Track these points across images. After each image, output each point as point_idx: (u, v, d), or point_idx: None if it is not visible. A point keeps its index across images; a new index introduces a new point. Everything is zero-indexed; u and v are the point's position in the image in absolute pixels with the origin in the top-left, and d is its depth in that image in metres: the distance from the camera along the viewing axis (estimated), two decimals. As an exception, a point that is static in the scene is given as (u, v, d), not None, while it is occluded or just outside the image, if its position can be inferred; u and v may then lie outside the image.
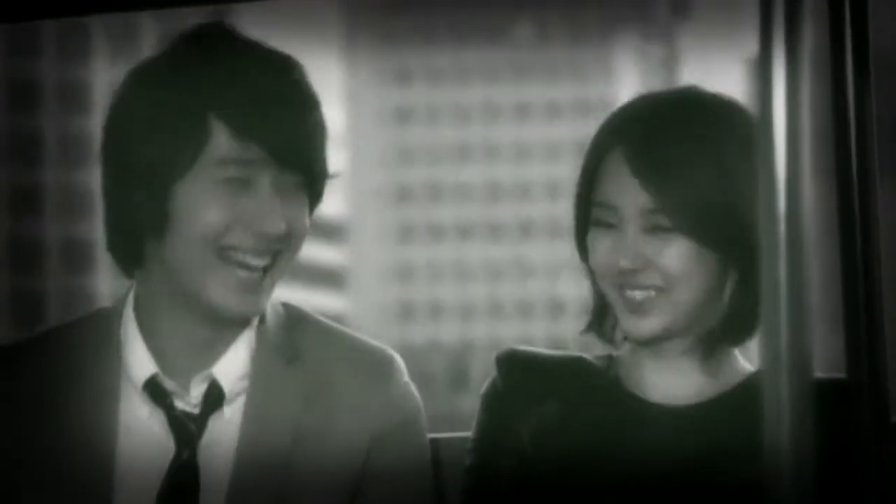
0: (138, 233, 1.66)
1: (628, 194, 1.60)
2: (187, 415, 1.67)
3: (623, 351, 1.67)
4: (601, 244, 1.62)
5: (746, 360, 1.68)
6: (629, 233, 1.60)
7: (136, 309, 1.71)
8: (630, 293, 1.60)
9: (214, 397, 1.68)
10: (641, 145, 1.61)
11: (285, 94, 1.67)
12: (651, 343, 1.62)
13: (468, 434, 1.71)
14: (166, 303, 1.68)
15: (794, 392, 1.01)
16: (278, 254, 1.65)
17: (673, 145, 1.61)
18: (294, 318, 1.74)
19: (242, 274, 1.64)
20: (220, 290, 1.64)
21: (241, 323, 1.68)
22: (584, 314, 1.67)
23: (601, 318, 1.65)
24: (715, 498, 1.61)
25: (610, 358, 1.69)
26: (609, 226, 1.62)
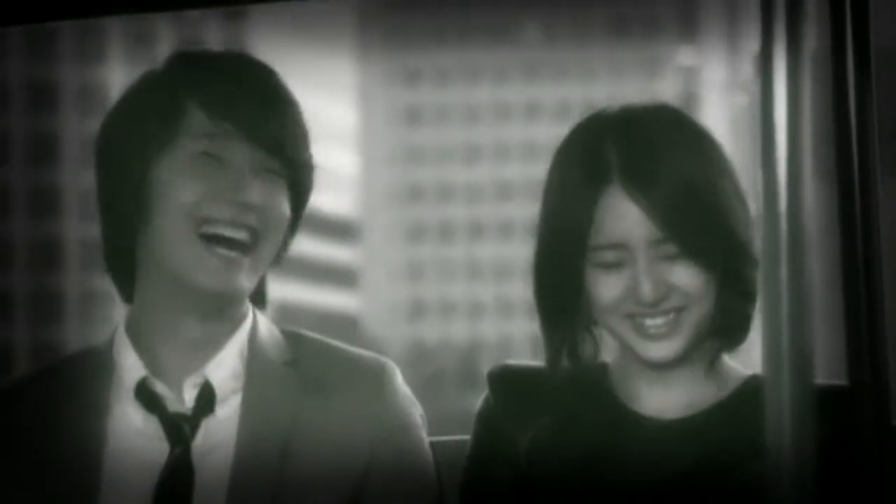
0: (128, 232, 1.67)
1: (635, 228, 1.58)
2: (180, 416, 1.68)
3: (615, 360, 1.65)
4: (611, 283, 1.59)
5: (748, 363, 1.66)
6: (643, 264, 1.58)
7: (128, 326, 1.72)
8: (651, 321, 1.58)
9: (207, 398, 1.68)
10: (637, 172, 1.59)
11: (261, 86, 1.70)
12: (671, 365, 1.60)
13: (466, 437, 1.70)
14: (155, 304, 1.69)
15: (795, 395, 0.99)
16: (256, 233, 1.67)
17: (669, 172, 1.60)
18: (289, 334, 1.75)
19: (221, 251, 1.66)
20: (200, 267, 1.65)
21: (221, 302, 1.68)
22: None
23: (577, 353, 1.62)
24: (711, 499, 1.60)
25: (603, 367, 1.67)
26: (616, 265, 1.59)
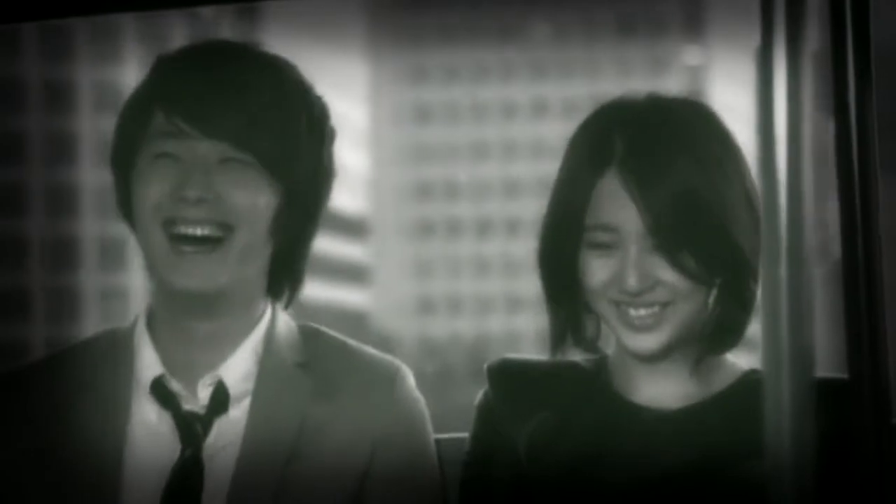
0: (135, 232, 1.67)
1: (629, 215, 1.58)
2: (193, 415, 1.66)
3: (614, 352, 1.64)
4: (600, 266, 1.59)
5: (747, 359, 1.65)
6: (632, 253, 1.58)
7: (149, 318, 1.71)
8: (634, 312, 1.58)
9: (221, 398, 1.67)
10: (638, 165, 1.58)
11: (227, 74, 1.67)
12: (653, 359, 1.59)
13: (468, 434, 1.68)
14: (164, 303, 1.68)
15: (794, 391, 0.98)
16: (225, 226, 1.64)
17: (669, 167, 1.58)
18: (309, 332, 1.73)
19: (188, 248, 1.65)
20: (172, 269, 1.65)
21: (207, 300, 1.66)
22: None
23: (580, 332, 1.62)
24: (713, 499, 1.58)
25: (601, 360, 1.66)
26: (607, 247, 1.58)
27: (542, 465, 1.63)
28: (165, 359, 1.70)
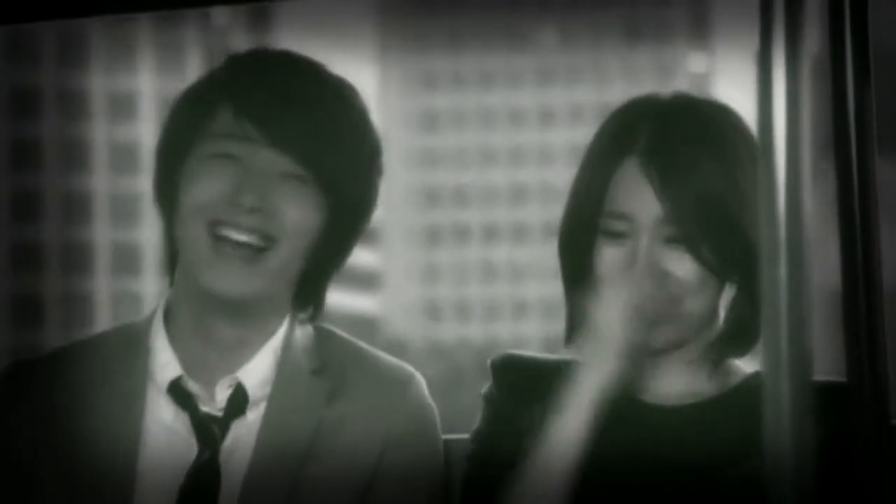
0: (168, 226, 1.66)
1: (644, 204, 1.55)
2: (211, 417, 1.65)
3: None
4: (611, 254, 1.57)
5: (747, 361, 1.64)
6: (643, 243, 1.55)
7: (166, 317, 1.69)
8: (641, 304, 1.55)
9: (239, 401, 1.65)
10: (660, 156, 1.56)
11: (298, 89, 1.66)
12: (657, 354, 1.57)
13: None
14: (189, 303, 1.66)
15: (794, 394, 0.97)
16: (271, 239, 1.62)
17: (691, 156, 1.56)
18: (324, 335, 1.71)
19: (233, 253, 1.62)
20: (208, 269, 1.62)
21: (237, 305, 1.64)
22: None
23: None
24: (714, 498, 1.57)
25: None
26: (620, 235, 1.56)
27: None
28: (183, 359, 1.69)
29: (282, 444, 1.65)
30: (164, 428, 1.66)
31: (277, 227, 1.63)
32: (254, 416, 1.66)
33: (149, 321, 1.70)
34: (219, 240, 1.62)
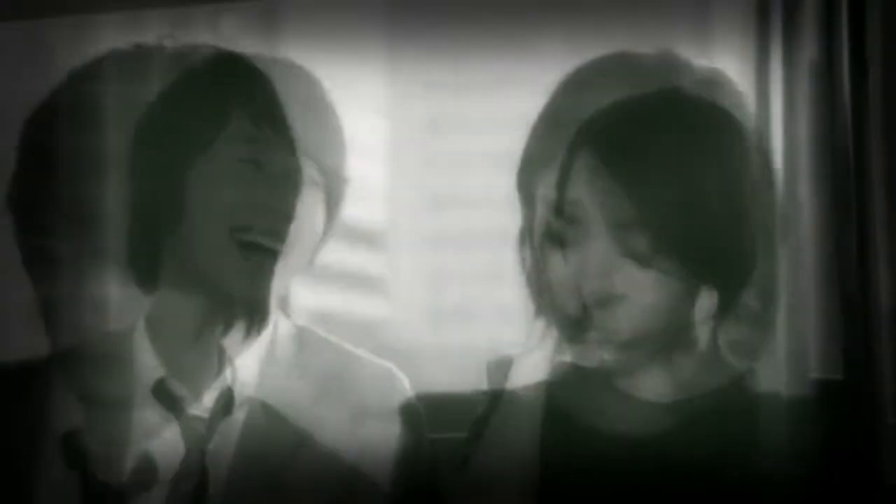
0: (157, 233, 1.65)
1: (603, 200, 1.53)
2: (197, 419, 1.65)
3: None
4: (559, 255, 1.56)
5: (744, 358, 1.64)
6: (600, 246, 1.53)
7: (148, 324, 1.69)
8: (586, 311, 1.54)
9: (225, 403, 1.65)
10: (616, 150, 1.53)
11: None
12: (599, 369, 1.56)
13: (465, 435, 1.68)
14: (179, 306, 1.66)
15: (791, 392, 0.97)
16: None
17: (651, 152, 1.53)
18: (307, 335, 1.72)
19: (255, 258, 1.62)
20: (232, 273, 1.62)
21: (247, 308, 1.65)
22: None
23: (578, 328, 1.57)
24: (709, 495, 1.57)
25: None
26: (573, 234, 1.55)
27: (543, 456, 1.62)
28: (169, 361, 1.69)
29: (266, 444, 1.66)
30: (150, 431, 1.66)
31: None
32: (240, 415, 1.67)
33: (129, 333, 1.70)
34: (243, 245, 1.62)
